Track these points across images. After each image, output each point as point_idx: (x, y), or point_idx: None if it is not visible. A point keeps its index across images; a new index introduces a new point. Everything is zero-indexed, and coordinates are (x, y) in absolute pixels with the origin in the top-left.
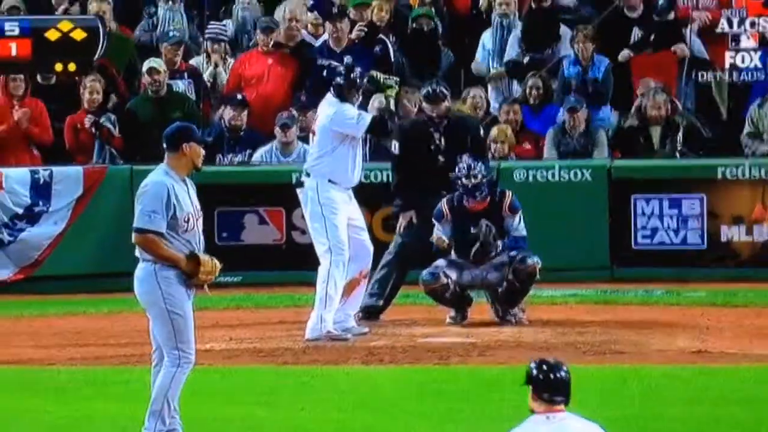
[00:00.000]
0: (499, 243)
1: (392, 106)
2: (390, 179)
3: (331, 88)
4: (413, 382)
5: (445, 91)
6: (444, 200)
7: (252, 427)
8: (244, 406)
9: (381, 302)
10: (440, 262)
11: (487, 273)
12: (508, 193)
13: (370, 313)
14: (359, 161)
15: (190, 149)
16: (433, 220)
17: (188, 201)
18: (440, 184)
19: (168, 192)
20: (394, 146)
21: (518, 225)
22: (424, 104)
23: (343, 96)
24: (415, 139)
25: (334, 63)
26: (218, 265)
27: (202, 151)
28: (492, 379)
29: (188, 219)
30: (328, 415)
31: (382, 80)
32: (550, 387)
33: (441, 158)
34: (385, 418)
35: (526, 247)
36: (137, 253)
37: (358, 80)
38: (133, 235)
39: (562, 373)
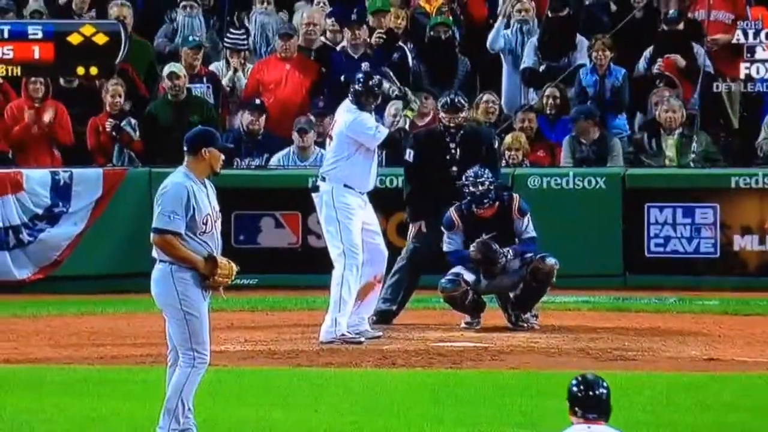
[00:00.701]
0: (507, 250)
1: (407, 126)
2: (403, 186)
3: (349, 95)
4: (426, 385)
5: (463, 101)
6: (452, 209)
7: (266, 428)
8: (259, 407)
9: (394, 307)
10: (458, 268)
11: (502, 279)
12: (516, 197)
13: (383, 318)
14: (375, 167)
15: (210, 154)
16: (442, 229)
17: (207, 203)
18: (454, 194)
19: (188, 193)
20: (409, 154)
21: (527, 227)
22: (441, 114)
23: (360, 103)
24: (430, 148)
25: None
26: (235, 268)
27: (222, 157)
28: (504, 384)
29: (206, 221)
30: (342, 418)
31: (409, 99)
32: (585, 404)
33: (455, 168)
34: (398, 421)
35: (535, 249)
36: (154, 253)
37: (376, 88)
38: (152, 235)
39: (599, 391)
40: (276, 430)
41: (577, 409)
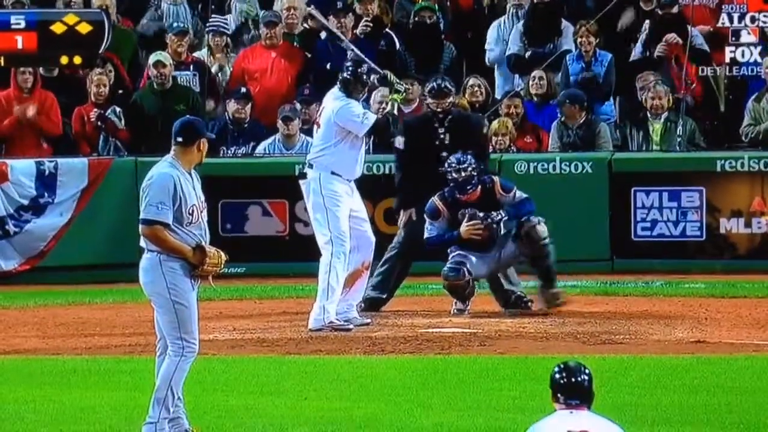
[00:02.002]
0: (500, 212)
1: (395, 111)
2: (393, 172)
3: (338, 82)
4: (415, 371)
5: (450, 86)
6: (436, 197)
7: (255, 416)
8: (248, 395)
9: (384, 295)
10: (458, 255)
11: (500, 253)
12: (496, 179)
13: (373, 305)
14: (362, 154)
15: (203, 145)
16: (425, 216)
17: (193, 193)
18: (443, 180)
19: (174, 184)
20: (399, 142)
21: (517, 195)
22: (428, 99)
23: (349, 91)
24: (420, 134)
25: (349, 44)
26: (224, 256)
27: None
28: (492, 369)
29: (192, 211)
30: (331, 404)
31: (395, 83)
32: (567, 390)
33: (445, 153)
34: (387, 406)
35: (531, 207)
36: (142, 243)
37: (365, 76)
38: (141, 226)
39: (581, 378)
40: (265, 418)
41: (559, 395)
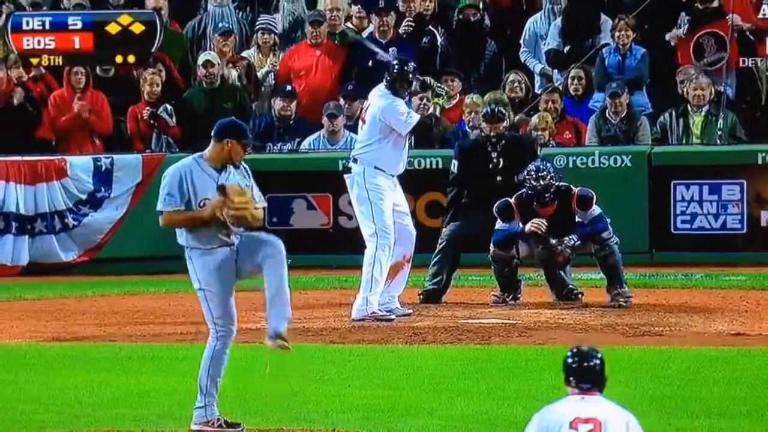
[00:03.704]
0: (571, 237)
1: (438, 113)
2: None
3: (384, 80)
4: (455, 361)
5: (504, 111)
6: (513, 198)
7: (301, 402)
8: (295, 383)
9: (440, 286)
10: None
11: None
12: (575, 191)
13: (431, 297)
14: (405, 151)
15: (230, 146)
16: (495, 214)
17: (208, 186)
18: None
19: (181, 176)
20: (454, 165)
21: (590, 212)
22: (483, 124)
23: (394, 89)
24: (474, 158)
25: (385, 55)
26: (245, 187)
27: (243, 151)
28: (531, 359)
29: (203, 204)
30: (374, 392)
31: (435, 87)
32: (579, 374)
33: (499, 177)
34: (428, 395)
35: (603, 227)
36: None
37: (411, 75)
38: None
39: (593, 362)
40: (311, 405)
41: (571, 379)
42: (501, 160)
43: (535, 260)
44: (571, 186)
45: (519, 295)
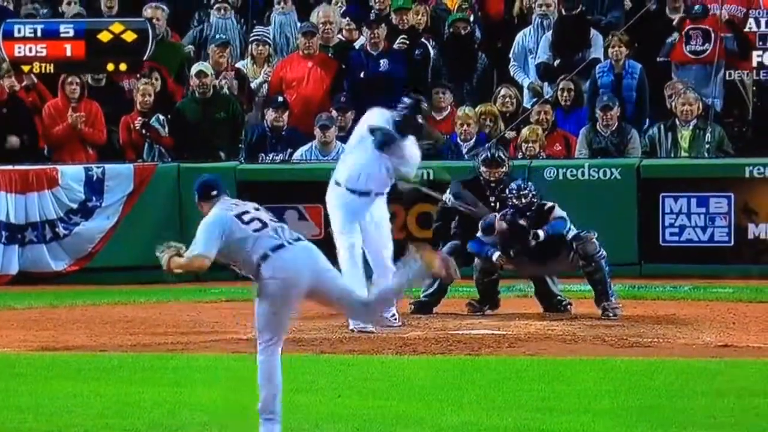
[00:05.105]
0: (538, 231)
1: (426, 190)
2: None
3: (395, 111)
4: (445, 371)
5: (503, 156)
6: (497, 216)
7: (291, 412)
8: (284, 392)
9: (433, 300)
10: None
11: (552, 263)
12: (555, 212)
13: (422, 309)
14: (370, 168)
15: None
16: (479, 229)
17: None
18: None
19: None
20: (448, 199)
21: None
22: (482, 168)
23: (399, 127)
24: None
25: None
26: (169, 248)
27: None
28: (521, 369)
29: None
30: (364, 402)
31: (434, 196)
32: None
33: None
34: (419, 405)
35: (565, 225)
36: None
37: (420, 121)
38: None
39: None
40: (301, 414)
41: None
42: (498, 205)
43: (518, 270)
44: (555, 207)
45: (496, 307)
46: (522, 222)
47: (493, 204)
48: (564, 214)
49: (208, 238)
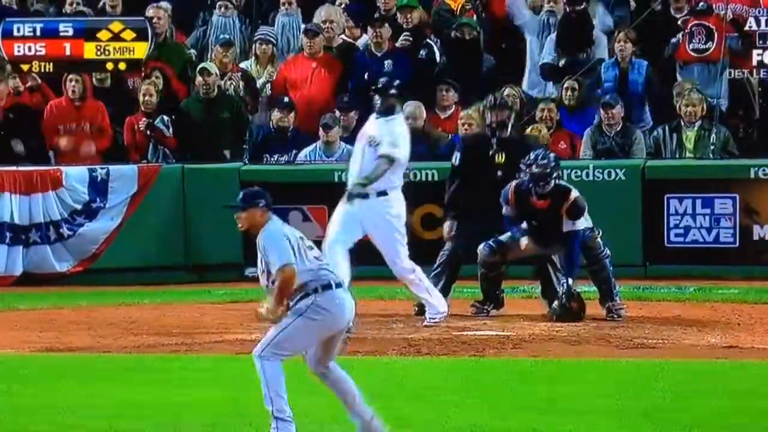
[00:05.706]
0: (564, 281)
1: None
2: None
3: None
4: (450, 372)
5: (507, 100)
6: (512, 185)
7: (296, 414)
8: (290, 394)
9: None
10: (506, 236)
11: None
12: (571, 196)
13: (424, 310)
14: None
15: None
16: (501, 201)
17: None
18: (495, 198)
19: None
20: (455, 157)
21: (577, 225)
22: (487, 114)
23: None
24: (476, 151)
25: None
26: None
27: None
28: (526, 371)
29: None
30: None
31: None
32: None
33: (500, 173)
34: (423, 406)
35: (577, 242)
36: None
37: (394, 92)
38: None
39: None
40: (305, 416)
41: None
42: (503, 154)
43: (533, 253)
44: (571, 189)
45: (500, 306)
46: (539, 200)
47: (496, 149)
48: (585, 224)
49: (283, 248)
